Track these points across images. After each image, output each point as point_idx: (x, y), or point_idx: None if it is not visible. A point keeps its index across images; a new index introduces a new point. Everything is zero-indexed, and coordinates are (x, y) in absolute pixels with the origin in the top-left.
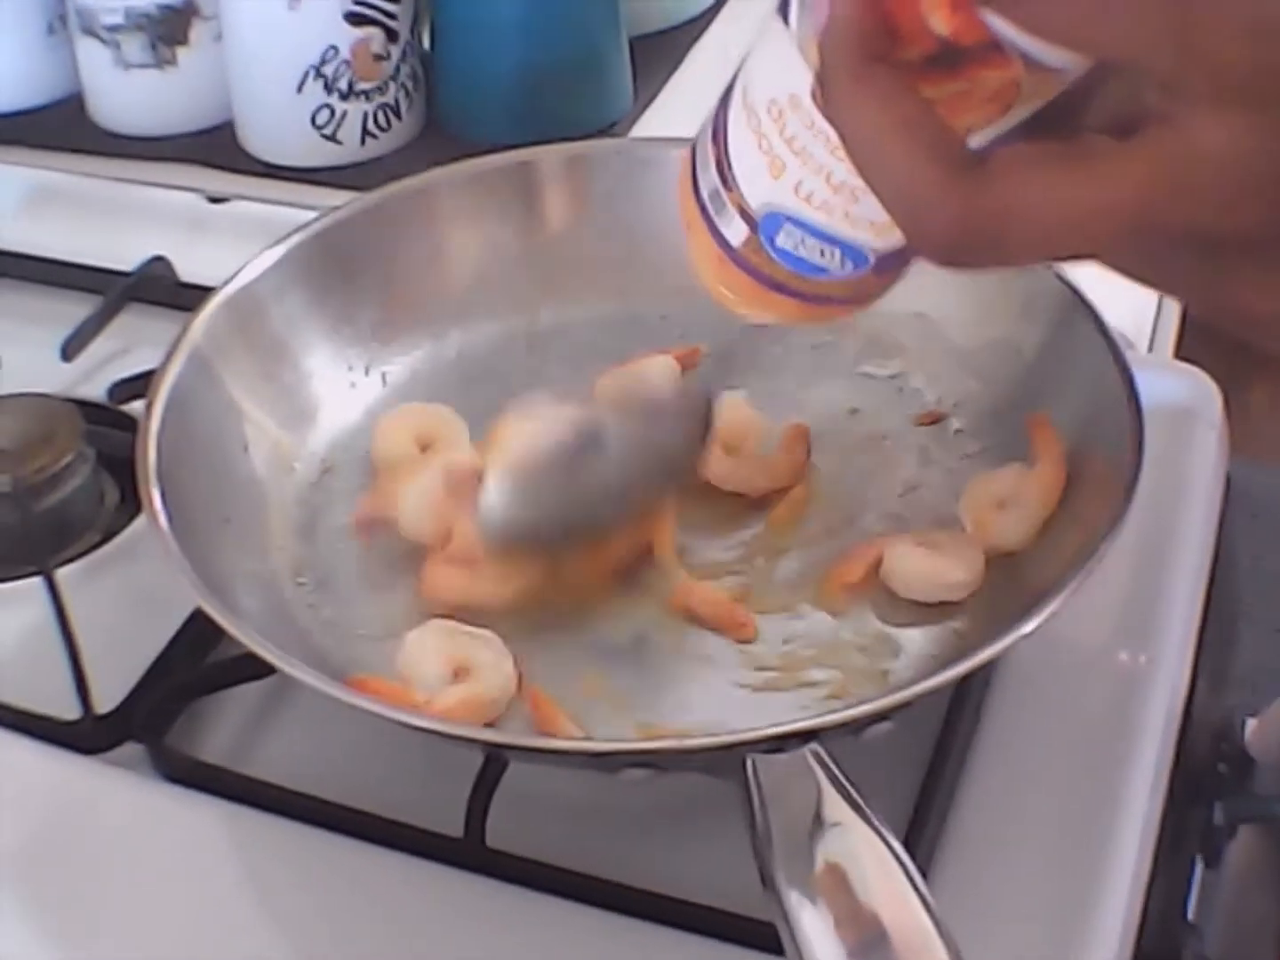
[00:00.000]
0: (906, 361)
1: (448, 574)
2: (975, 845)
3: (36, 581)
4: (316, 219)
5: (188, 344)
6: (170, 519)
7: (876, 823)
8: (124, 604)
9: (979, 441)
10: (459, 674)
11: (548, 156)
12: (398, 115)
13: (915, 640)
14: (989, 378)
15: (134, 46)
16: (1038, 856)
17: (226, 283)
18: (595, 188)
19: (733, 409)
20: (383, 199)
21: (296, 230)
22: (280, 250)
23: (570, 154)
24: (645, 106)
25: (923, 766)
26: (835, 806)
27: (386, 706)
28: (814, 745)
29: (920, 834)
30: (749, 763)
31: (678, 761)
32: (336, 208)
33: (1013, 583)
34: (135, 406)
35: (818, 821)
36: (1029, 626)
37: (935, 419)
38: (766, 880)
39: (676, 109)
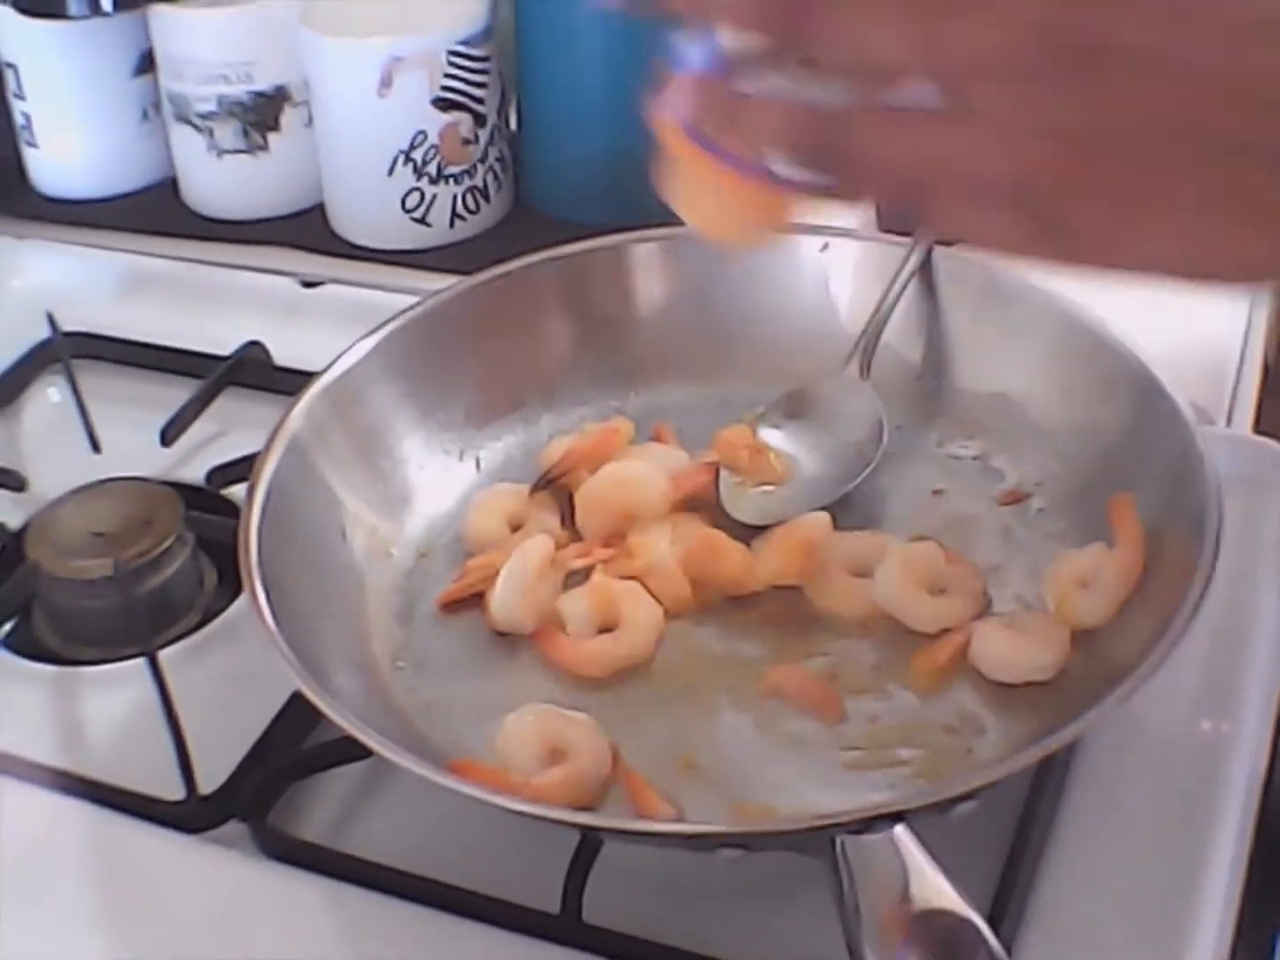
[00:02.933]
0: (989, 442)
1: (591, 645)
2: (1059, 921)
3: (139, 663)
4: (410, 307)
5: (286, 432)
6: (271, 605)
7: (962, 901)
8: (224, 684)
9: (1060, 521)
10: (556, 755)
11: (638, 243)
12: (486, 198)
13: (999, 718)
14: (1070, 458)
15: (227, 133)
16: (1121, 931)
17: (324, 371)
18: (684, 273)
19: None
20: (474, 286)
21: (391, 318)
22: (375, 338)
23: (659, 240)
24: None
25: (1006, 841)
26: (922, 885)
27: (487, 791)
28: (901, 825)
29: (1004, 910)
30: (838, 843)
31: (768, 843)
32: (430, 295)
33: (1094, 660)
34: (233, 491)
35: (905, 900)
36: (1112, 706)
37: (1017, 499)
38: (855, 956)
39: None
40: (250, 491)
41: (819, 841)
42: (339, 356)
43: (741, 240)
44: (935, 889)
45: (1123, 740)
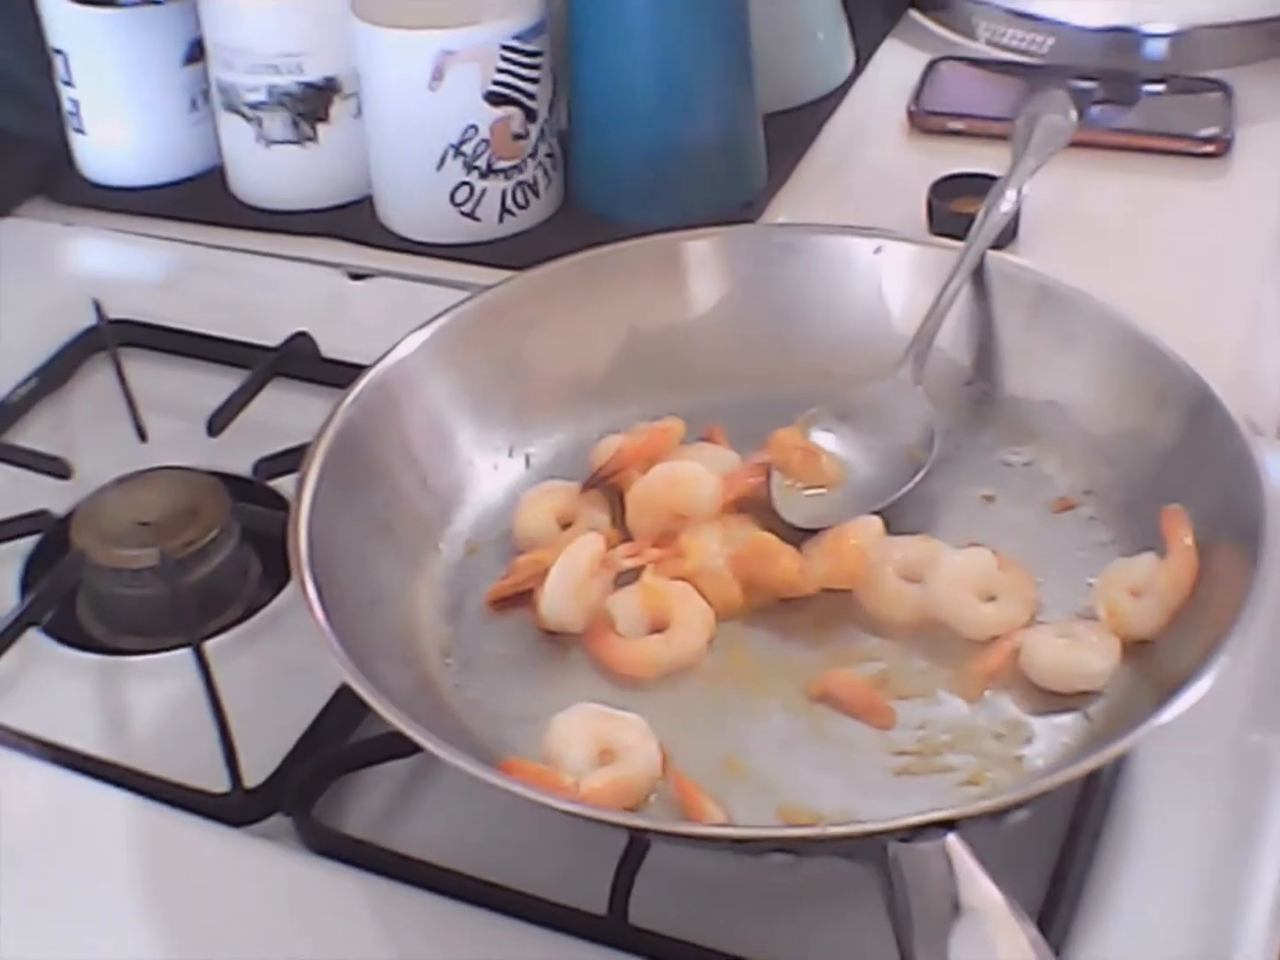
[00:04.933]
0: (1040, 449)
1: (642, 645)
2: (1109, 930)
3: (184, 653)
4: (461, 301)
5: (337, 423)
6: (320, 598)
7: (1015, 910)
8: (269, 676)
9: (1110, 529)
10: (605, 756)
11: (693, 241)
12: (535, 193)
13: (1049, 727)
14: (1120, 466)
15: (276, 123)
16: (1170, 938)
17: (376, 362)
18: (737, 273)
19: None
20: (526, 281)
21: (443, 312)
22: (428, 331)
23: (715, 238)
24: (779, 185)
25: (1055, 849)
26: (973, 893)
27: (536, 790)
28: (953, 833)
29: (1054, 917)
30: (890, 850)
31: (820, 849)
32: (481, 289)
33: (1144, 670)
34: (280, 483)
35: (956, 908)
36: (1165, 718)
37: (1068, 506)
38: None
39: (810, 188)
40: (300, 482)
41: (870, 848)
42: (391, 348)
43: None
44: (988, 898)
45: (1172, 749)
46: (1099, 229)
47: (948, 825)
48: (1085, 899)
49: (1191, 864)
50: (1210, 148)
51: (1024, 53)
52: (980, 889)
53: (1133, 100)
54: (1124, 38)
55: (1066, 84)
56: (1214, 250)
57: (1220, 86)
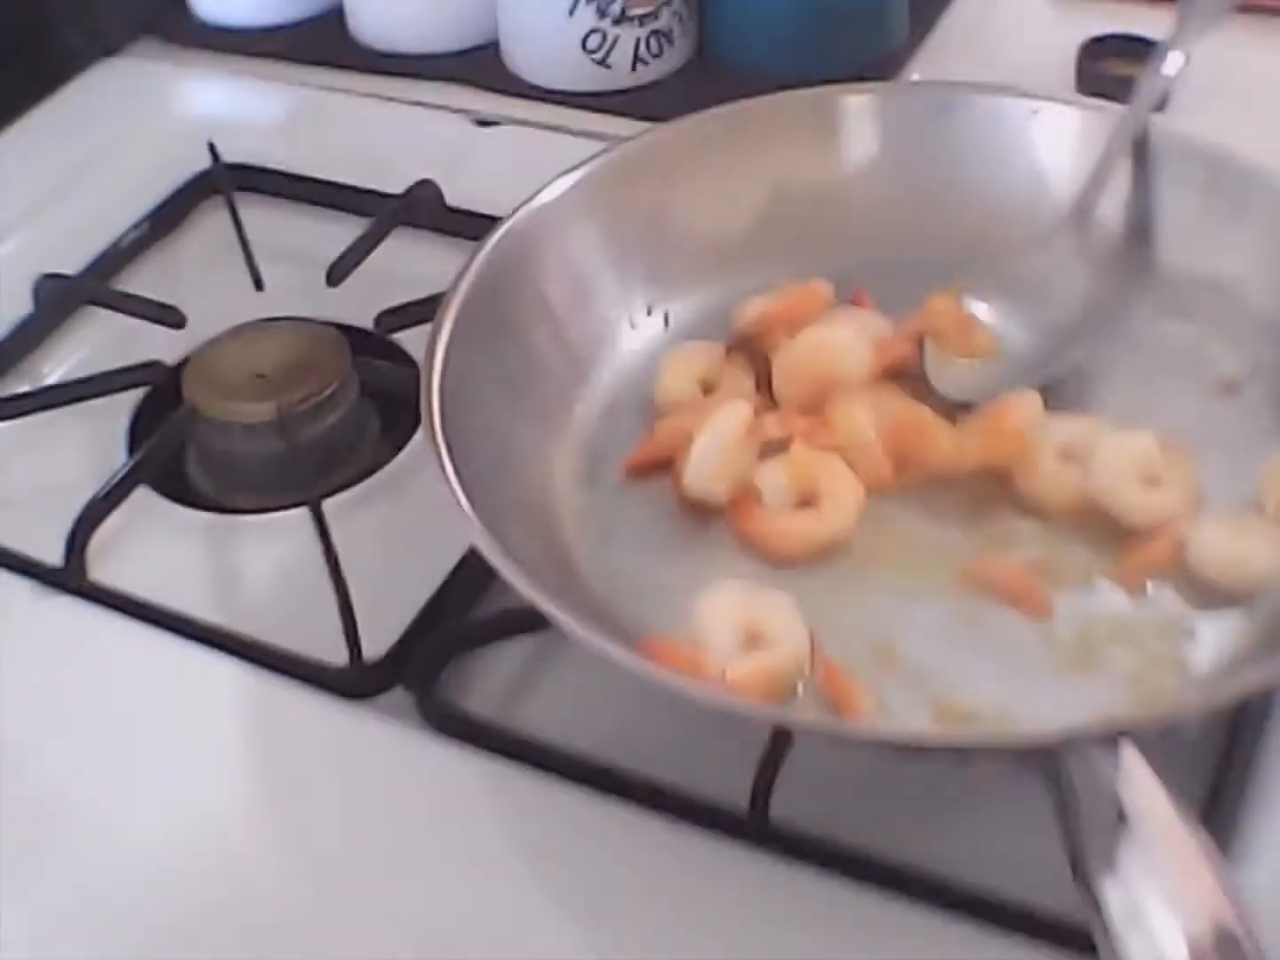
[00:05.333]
0: (1202, 327)
1: (791, 521)
2: (1273, 833)
3: (298, 513)
4: (602, 151)
5: (471, 275)
6: (451, 460)
7: (1190, 821)
8: (389, 540)
9: (1275, 414)
10: (753, 639)
11: (845, 96)
12: (670, 42)
13: (1212, 625)
14: None
15: None
16: None
17: (512, 212)
18: (891, 130)
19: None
20: (671, 132)
21: (583, 162)
22: (567, 182)
23: (868, 94)
24: (920, 40)
25: (1216, 748)
26: (1147, 803)
27: (681, 680)
28: (1127, 740)
29: (1215, 818)
30: (1065, 758)
31: (988, 755)
32: (622, 140)
33: None
34: (401, 336)
35: (1129, 817)
36: None
37: (1232, 388)
38: (1078, 873)
39: (953, 45)
40: (434, 336)
41: (1041, 755)
42: (529, 198)
43: None
44: (1162, 807)
45: None
46: (1258, 98)
47: (1121, 732)
48: (1248, 799)
49: None
50: None
51: None
52: (1155, 799)
53: None
54: None
55: None
56: None
57: None
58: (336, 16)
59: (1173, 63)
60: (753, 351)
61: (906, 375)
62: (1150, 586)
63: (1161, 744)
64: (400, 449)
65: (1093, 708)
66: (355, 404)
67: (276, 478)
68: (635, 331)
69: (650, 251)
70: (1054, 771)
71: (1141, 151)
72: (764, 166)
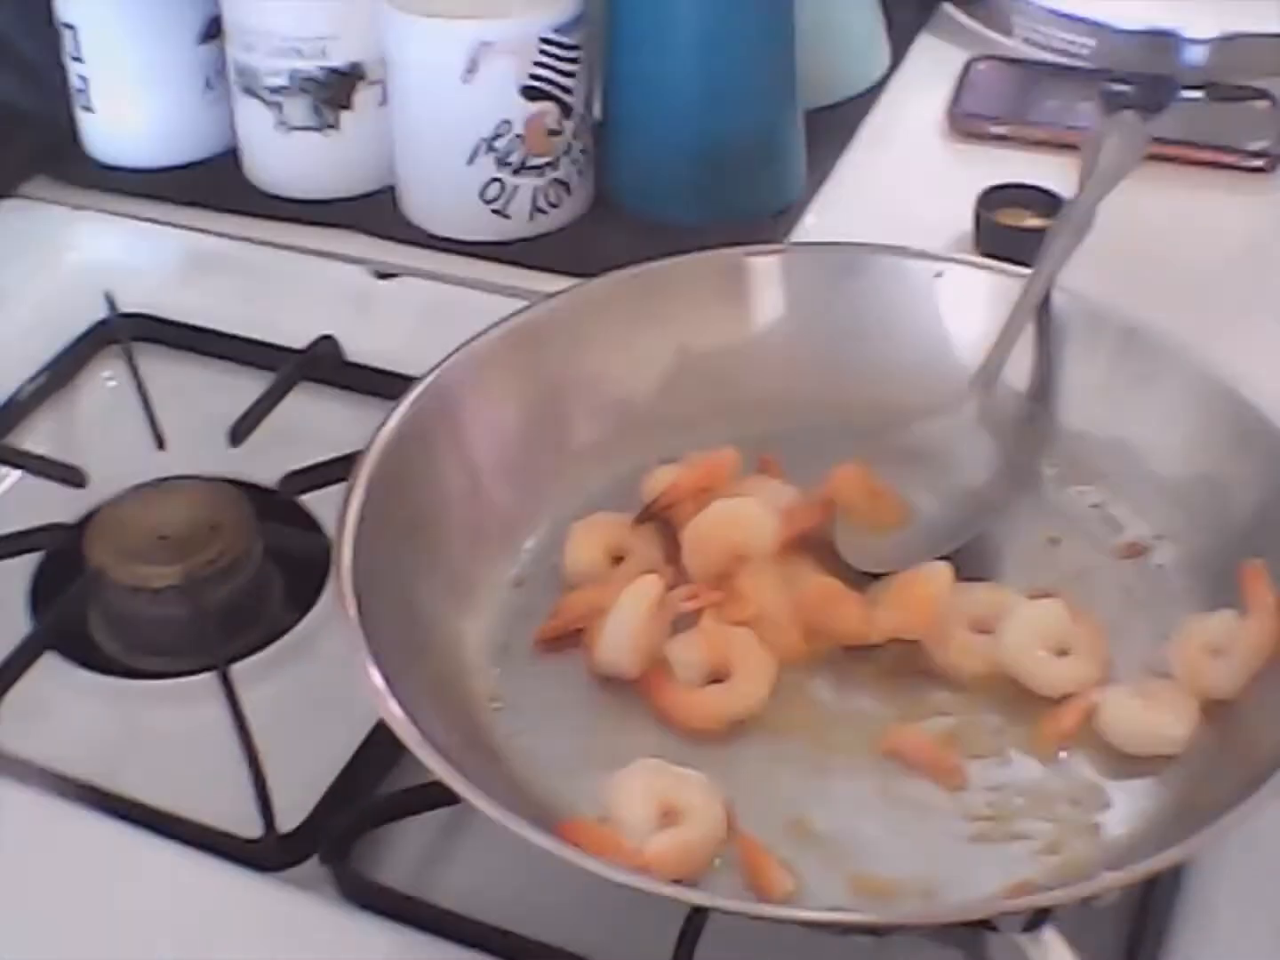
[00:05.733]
0: (1107, 490)
1: (703, 695)
2: None
3: (205, 678)
4: (511, 315)
5: (378, 448)
6: (366, 638)
7: None
8: (299, 705)
9: (1182, 579)
10: (668, 816)
11: (753, 258)
12: (568, 191)
13: (1124, 791)
14: (1194, 514)
15: (296, 109)
16: None
17: (421, 378)
18: (796, 292)
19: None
20: (576, 294)
21: (492, 325)
22: (474, 345)
23: (775, 255)
24: (818, 186)
25: (1127, 915)
26: None
27: (596, 862)
28: (1051, 921)
29: None
30: (992, 940)
31: (910, 931)
32: (530, 303)
33: (1222, 730)
34: (306, 498)
35: None
36: (1260, 802)
37: (1136, 552)
38: None
39: (849, 190)
40: (344, 506)
41: (960, 934)
42: (439, 362)
43: None
44: None
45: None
46: (1139, 245)
47: (1046, 912)
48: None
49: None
50: (1259, 162)
51: (1061, 53)
52: None
53: (1170, 105)
54: (1164, 41)
55: (1104, 87)
56: (1265, 270)
57: (1266, 95)
58: (232, 158)
59: (1078, 223)
60: (662, 521)
61: (816, 544)
62: (1063, 754)
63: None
64: (305, 612)
65: (1010, 879)
66: (260, 566)
67: (183, 641)
68: (545, 501)
69: (556, 419)
70: (974, 947)
71: (1046, 315)
72: (671, 329)
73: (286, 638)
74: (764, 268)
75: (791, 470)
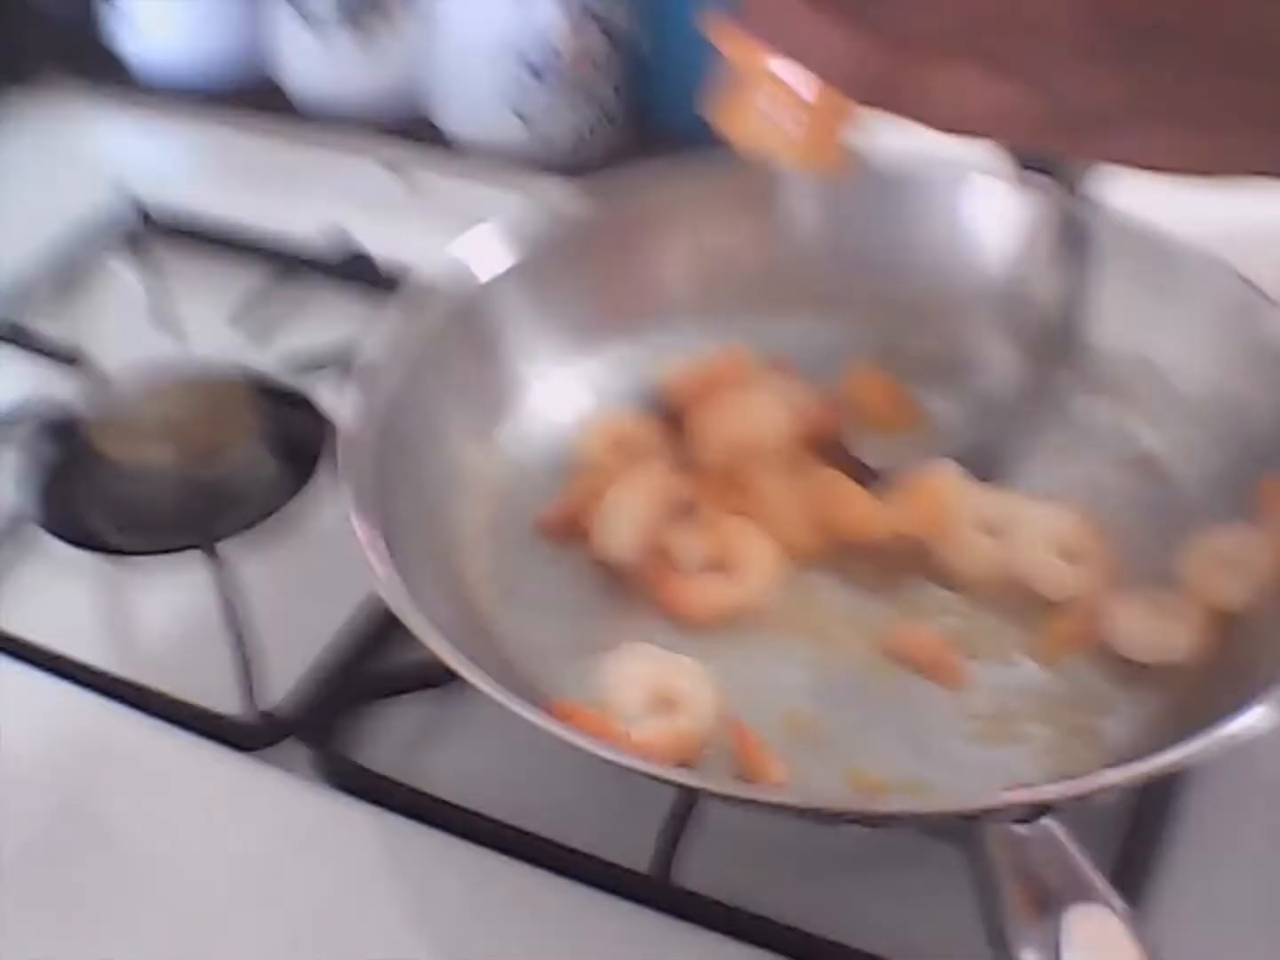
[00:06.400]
0: (1125, 404)
1: (704, 586)
2: (1179, 904)
3: (195, 556)
4: (526, 207)
5: (390, 327)
6: (363, 513)
7: (1111, 893)
8: (286, 583)
9: (1194, 492)
10: (661, 703)
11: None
12: (610, 120)
13: (1128, 697)
14: (1210, 430)
15: (329, 13)
16: (1249, 917)
17: (434, 265)
18: (819, 196)
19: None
20: (596, 191)
21: (508, 217)
22: (489, 237)
23: None
24: None
25: (1122, 816)
26: (1074, 881)
27: (587, 738)
28: (1052, 817)
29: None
30: (989, 832)
31: (904, 823)
32: (549, 197)
33: (1228, 641)
34: (307, 381)
35: (1053, 894)
36: (1261, 715)
37: (1150, 464)
38: (997, 946)
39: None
40: (349, 387)
41: (962, 828)
42: (450, 251)
43: (797, 160)
44: (1089, 886)
45: None
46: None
47: (1044, 807)
48: (1158, 862)
49: (1270, 851)
50: None
51: None
52: (1082, 878)
53: None
54: None
55: None
56: None
57: None
58: (262, 64)
59: None
60: (673, 416)
61: (825, 441)
62: (1067, 660)
63: (1078, 810)
64: (298, 491)
65: (1009, 779)
66: (258, 447)
67: (175, 519)
68: (557, 391)
69: (574, 312)
70: (973, 844)
71: (1072, 226)
72: (693, 230)
73: (278, 514)
74: (789, 176)
75: (807, 370)
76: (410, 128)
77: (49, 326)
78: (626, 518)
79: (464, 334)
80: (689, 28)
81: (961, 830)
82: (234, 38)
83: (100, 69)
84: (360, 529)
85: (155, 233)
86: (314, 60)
